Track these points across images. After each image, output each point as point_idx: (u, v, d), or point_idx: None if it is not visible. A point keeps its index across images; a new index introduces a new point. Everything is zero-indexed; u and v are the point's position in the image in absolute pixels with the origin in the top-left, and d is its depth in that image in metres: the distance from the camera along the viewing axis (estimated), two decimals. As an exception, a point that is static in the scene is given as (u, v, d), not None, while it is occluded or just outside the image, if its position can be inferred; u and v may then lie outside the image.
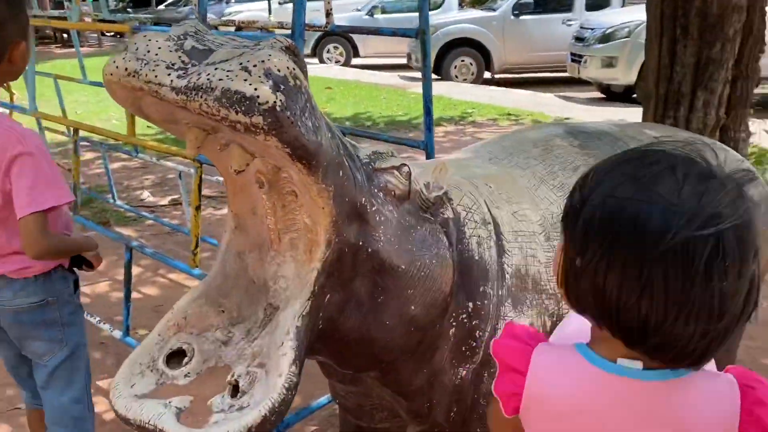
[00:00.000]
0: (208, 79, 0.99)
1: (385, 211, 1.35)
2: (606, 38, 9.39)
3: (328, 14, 2.74)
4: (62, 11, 5.62)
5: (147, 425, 1.12)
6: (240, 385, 1.18)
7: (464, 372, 1.54)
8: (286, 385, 1.15)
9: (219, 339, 1.33)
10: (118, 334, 2.91)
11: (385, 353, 1.44)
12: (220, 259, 1.37)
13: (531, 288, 1.61)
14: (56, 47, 16.81)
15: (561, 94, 10.20)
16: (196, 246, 2.48)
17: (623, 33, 9.26)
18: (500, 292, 1.55)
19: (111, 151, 5.10)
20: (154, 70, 1.02)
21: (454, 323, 1.50)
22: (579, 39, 9.93)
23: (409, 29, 2.52)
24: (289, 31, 2.06)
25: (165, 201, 5.31)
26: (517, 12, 11.54)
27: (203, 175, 4.10)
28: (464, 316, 1.51)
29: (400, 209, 1.40)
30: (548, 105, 9.20)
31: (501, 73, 11.88)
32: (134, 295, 3.25)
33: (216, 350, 1.32)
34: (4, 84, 2.09)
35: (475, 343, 1.52)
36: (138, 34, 1.08)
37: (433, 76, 12.66)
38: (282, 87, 1.00)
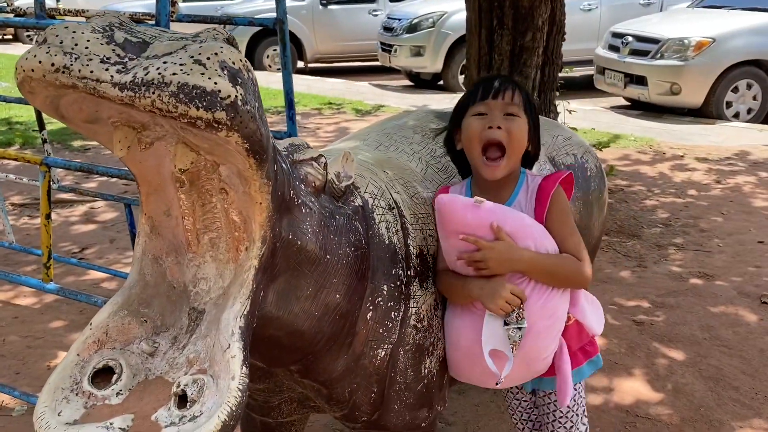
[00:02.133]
0: (159, 74, 0.92)
1: (309, 202, 1.36)
2: (413, 28, 9.87)
3: (174, 3, 2.61)
4: None
5: None
6: (188, 394, 1.12)
7: (382, 353, 1.59)
8: (241, 387, 1.12)
9: (144, 351, 1.25)
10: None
11: (314, 344, 1.45)
12: (137, 267, 1.28)
13: (432, 266, 1.71)
14: None
15: (375, 82, 10.55)
16: (49, 258, 2.25)
17: (428, 23, 9.80)
18: (409, 273, 1.62)
19: None
20: (88, 65, 0.93)
21: (371, 307, 1.55)
22: (388, 29, 10.33)
23: (266, 19, 2.48)
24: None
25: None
26: (324, 2, 11.68)
27: (26, 181, 3.68)
28: (380, 298, 1.56)
29: (319, 200, 1.41)
30: (364, 93, 9.47)
31: (313, 62, 11.97)
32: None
33: (143, 363, 1.24)
34: None
35: (391, 324, 1.58)
36: (55, 25, 0.97)
37: (247, 66, 12.39)
38: (239, 80, 0.97)
